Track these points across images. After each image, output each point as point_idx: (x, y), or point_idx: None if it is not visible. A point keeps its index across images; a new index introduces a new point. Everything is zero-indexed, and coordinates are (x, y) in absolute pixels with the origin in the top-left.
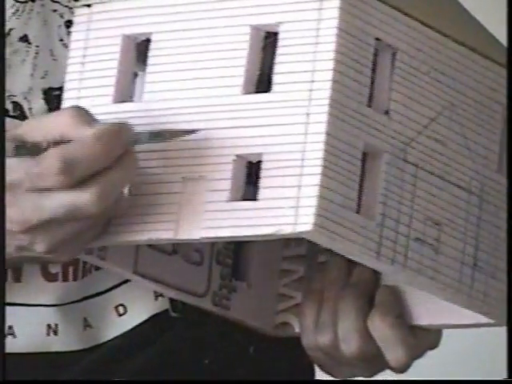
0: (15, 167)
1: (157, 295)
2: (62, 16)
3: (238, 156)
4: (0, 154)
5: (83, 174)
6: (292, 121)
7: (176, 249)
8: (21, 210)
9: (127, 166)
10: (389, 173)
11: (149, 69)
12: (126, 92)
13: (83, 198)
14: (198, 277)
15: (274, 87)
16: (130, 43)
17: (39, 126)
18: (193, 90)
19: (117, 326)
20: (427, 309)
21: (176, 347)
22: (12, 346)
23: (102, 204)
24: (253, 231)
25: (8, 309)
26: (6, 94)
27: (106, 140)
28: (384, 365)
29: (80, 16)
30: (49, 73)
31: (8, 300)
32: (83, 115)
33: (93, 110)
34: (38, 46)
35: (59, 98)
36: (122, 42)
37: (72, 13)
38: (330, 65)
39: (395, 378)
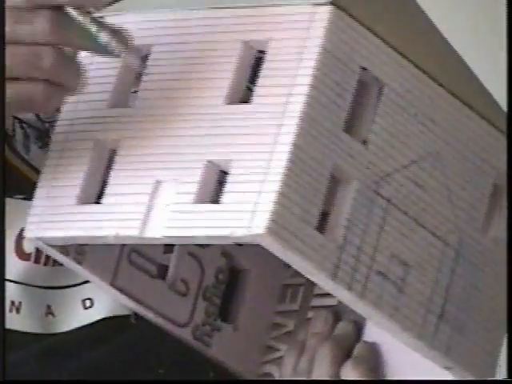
0: None
1: None
2: None
3: (208, 161)
4: (0, 154)
5: None
6: (264, 131)
7: (161, 273)
8: None
9: None
10: (357, 200)
11: (144, 78)
12: (122, 99)
13: None
14: (180, 307)
15: (254, 99)
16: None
17: None
18: (181, 98)
19: (80, 318)
20: (398, 366)
21: (132, 351)
22: None
23: None
24: (209, 232)
25: None
26: None
27: None
28: None
29: None
30: None
31: None
32: None
33: (89, 113)
34: None
35: None
36: None
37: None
38: (308, 80)
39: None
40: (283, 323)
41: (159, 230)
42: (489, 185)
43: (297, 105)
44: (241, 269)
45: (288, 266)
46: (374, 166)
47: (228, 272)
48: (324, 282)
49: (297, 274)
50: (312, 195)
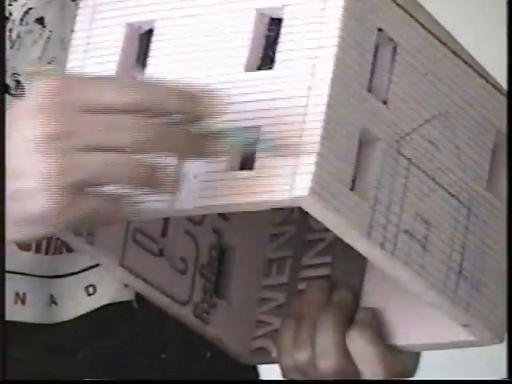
0: None
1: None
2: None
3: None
4: (0, 151)
5: None
6: (293, 94)
7: (162, 251)
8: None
9: None
10: (383, 160)
11: (151, 53)
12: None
13: None
14: (181, 284)
15: (277, 65)
16: (134, 32)
17: None
18: (194, 70)
19: (84, 305)
20: (406, 329)
21: (135, 338)
22: None
23: None
24: (248, 199)
25: None
26: (11, 72)
27: None
28: None
29: (85, 7)
30: (56, 60)
31: None
32: None
33: None
34: (51, 31)
35: None
36: (125, 30)
37: None
38: (335, 41)
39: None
40: (272, 297)
41: (191, 200)
42: (490, 142)
43: (326, 66)
44: (228, 245)
45: (272, 241)
46: (395, 126)
47: (219, 249)
48: (358, 242)
49: (280, 247)
50: (346, 155)
